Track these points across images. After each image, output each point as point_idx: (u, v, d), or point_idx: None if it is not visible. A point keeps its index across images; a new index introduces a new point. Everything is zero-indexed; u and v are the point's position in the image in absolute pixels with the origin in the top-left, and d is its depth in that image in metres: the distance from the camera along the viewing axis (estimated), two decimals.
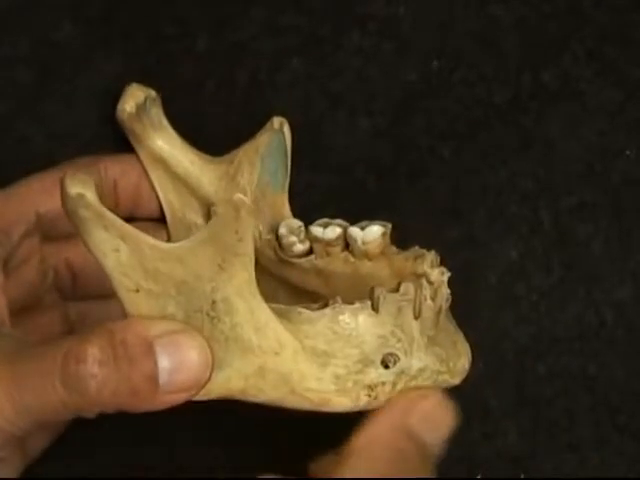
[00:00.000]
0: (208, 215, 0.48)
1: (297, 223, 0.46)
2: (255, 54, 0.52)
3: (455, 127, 0.52)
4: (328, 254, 0.45)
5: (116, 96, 0.48)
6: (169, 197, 0.48)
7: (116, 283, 0.40)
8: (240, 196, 0.39)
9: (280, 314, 0.41)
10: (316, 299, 0.44)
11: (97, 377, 0.39)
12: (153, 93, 0.48)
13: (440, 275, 0.43)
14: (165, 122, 0.48)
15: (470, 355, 0.44)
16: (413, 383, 0.42)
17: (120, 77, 0.49)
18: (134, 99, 0.47)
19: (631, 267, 0.51)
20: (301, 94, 0.52)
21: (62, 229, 0.47)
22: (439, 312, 0.43)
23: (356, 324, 0.41)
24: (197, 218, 0.48)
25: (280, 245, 0.46)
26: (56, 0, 0.52)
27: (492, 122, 0.52)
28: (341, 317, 0.41)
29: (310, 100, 0.52)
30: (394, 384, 0.42)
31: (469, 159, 0.52)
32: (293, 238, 0.46)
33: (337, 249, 0.45)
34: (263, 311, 0.41)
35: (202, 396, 0.41)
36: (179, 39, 0.52)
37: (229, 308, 0.40)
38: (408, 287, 0.42)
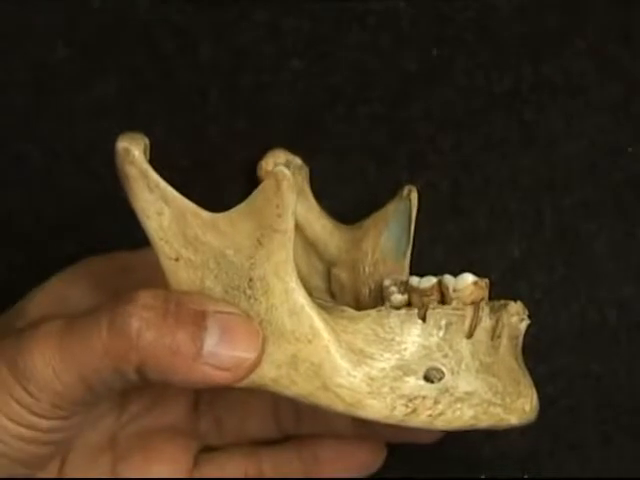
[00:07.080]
0: (329, 278, 0.47)
1: (402, 278, 0.44)
2: (257, 57, 0.52)
3: (455, 116, 0.52)
4: (423, 304, 0.42)
5: (113, 112, 0.48)
6: (297, 260, 0.45)
7: (158, 249, 0.40)
8: (282, 169, 0.38)
9: (321, 307, 0.40)
10: None
11: (142, 319, 0.39)
12: (299, 161, 0.48)
13: (517, 313, 0.41)
14: (307, 189, 0.48)
15: (535, 401, 0.41)
16: (458, 405, 0.39)
17: (118, 92, 0.49)
18: (274, 159, 0.48)
19: (634, 265, 0.51)
20: (302, 88, 0.52)
21: None
22: (498, 338, 0.41)
23: (400, 330, 0.40)
24: (320, 282, 0.47)
25: (382, 297, 0.44)
26: (49, 23, 0.52)
27: (492, 112, 0.52)
28: (385, 320, 0.40)
29: (310, 93, 0.52)
30: (436, 401, 0.39)
31: (469, 153, 0.52)
32: (393, 288, 0.43)
33: (432, 298, 0.42)
34: (299, 295, 0.39)
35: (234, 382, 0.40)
36: (180, 49, 0.52)
37: (266, 288, 0.39)
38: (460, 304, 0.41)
